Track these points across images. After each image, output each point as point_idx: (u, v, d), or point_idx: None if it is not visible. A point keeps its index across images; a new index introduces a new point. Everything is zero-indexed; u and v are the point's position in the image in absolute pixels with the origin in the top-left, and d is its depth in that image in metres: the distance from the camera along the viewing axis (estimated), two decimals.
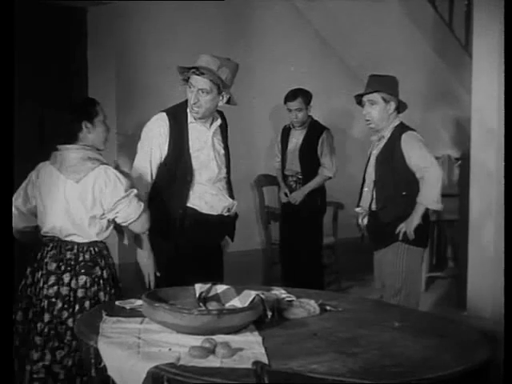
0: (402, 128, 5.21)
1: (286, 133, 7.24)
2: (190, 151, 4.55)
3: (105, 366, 2.93)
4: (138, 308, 3.46)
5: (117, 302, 3.65)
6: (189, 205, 4.56)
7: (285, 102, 7.01)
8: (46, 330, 3.94)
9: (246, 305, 3.27)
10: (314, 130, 7.08)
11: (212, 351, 2.85)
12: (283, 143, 7.25)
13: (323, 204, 7.21)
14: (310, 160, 7.10)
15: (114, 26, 7.07)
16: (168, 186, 4.54)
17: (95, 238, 4.07)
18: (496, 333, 5.68)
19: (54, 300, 3.96)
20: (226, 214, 4.68)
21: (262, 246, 8.08)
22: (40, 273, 4.02)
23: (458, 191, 7.60)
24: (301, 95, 6.92)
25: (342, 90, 8.33)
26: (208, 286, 3.48)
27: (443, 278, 8.15)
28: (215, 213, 4.62)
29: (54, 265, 4.01)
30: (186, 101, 4.53)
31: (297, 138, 7.14)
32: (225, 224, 4.75)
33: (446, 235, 8.54)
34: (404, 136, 5.15)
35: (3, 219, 3.29)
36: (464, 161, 7.01)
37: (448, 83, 7.99)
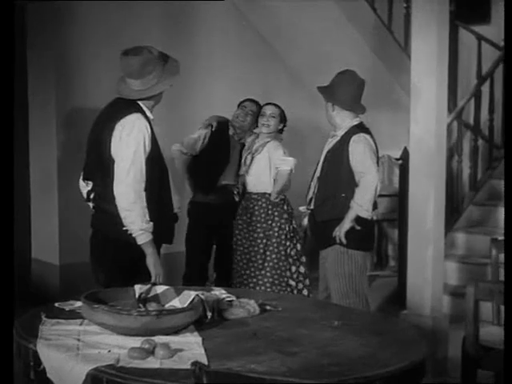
0: (357, 129, 5.17)
1: None
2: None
3: (44, 368, 2.92)
4: (78, 309, 3.44)
5: (56, 304, 3.63)
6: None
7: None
8: None
9: (186, 305, 3.28)
10: None
11: (151, 352, 2.86)
12: None
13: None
14: None
15: (54, 25, 7.02)
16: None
17: None
18: (435, 330, 5.78)
19: None
20: None
21: None
22: None
23: (398, 191, 7.66)
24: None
25: (284, 90, 8.36)
26: (148, 286, 3.48)
27: (385, 277, 8.21)
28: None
29: None
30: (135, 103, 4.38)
31: None
32: None
33: (386, 234, 8.62)
34: (353, 137, 5.11)
35: (3, 218, 3.28)
36: (404, 161, 7.06)
37: (387, 84, 8.06)
